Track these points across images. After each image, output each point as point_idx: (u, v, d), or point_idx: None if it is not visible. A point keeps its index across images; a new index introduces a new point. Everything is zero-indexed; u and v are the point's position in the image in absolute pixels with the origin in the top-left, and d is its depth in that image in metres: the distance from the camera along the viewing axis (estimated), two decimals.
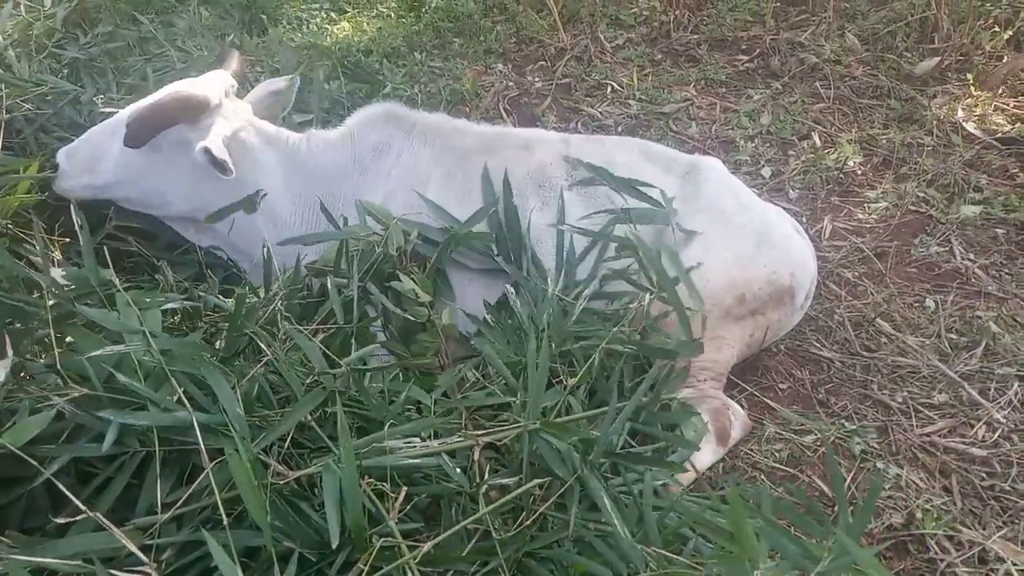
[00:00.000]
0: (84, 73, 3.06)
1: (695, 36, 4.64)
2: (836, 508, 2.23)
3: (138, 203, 2.55)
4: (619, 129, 3.95)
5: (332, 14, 4.82)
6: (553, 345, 2.11)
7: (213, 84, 2.50)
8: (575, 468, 1.75)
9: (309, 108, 3.24)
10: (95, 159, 2.46)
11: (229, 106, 2.53)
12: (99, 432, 1.61)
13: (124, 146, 2.42)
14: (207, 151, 2.33)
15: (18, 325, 1.76)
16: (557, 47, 4.60)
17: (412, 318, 2.28)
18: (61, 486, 1.40)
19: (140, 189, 2.49)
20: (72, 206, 2.06)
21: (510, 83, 4.32)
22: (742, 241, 2.40)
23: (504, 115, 4.06)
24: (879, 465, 2.34)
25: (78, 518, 1.38)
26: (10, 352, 1.54)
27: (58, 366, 1.66)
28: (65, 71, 3.09)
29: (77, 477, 1.65)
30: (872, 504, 1.46)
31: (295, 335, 1.82)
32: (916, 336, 2.75)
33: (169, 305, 1.87)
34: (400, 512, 1.61)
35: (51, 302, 1.72)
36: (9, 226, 2.19)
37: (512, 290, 2.29)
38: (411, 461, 1.70)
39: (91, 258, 1.92)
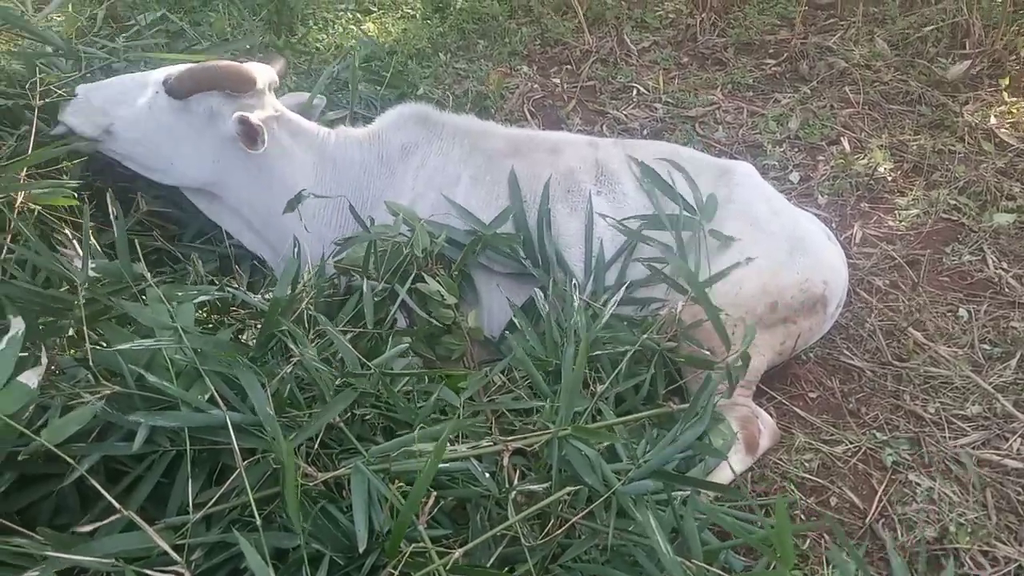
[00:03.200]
0: (116, 68, 3.07)
1: (722, 39, 4.60)
2: (866, 520, 2.20)
3: (137, 160, 2.47)
4: (645, 132, 3.92)
5: (358, 15, 4.83)
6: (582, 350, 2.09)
7: (261, 70, 2.51)
8: (605, 477, 1.73)
9: (340, 106, 3.24)
10: (115, 103, 2.40)
11: (268, 97, 2.53)
12: (129, 430, 1.61)
13: (158, 98, 2.38)
14: (243, 120, 2.32)
15: (50, 319, 1.77)
16: (582, 49, 4.58)
17: (438, 320, 2.27)
18: (96, 483, 1.40)
19: (148, 146, 2.42)
20: (108, 196, 2.06)
21: (535, 85, 4.30)
22: (775, 248, 2.36)
23: (529, 117, 4.04)
24: (911, 477, 2.30)
25: (111, 519, 1.37)
26: (44, 361, 1.54)
27: (90, 362, 1.66)
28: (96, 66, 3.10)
29: (107, 475, 1.65)
30: None
31: (332, 336, 1.81)
32: (949, 346, 2.71)
33: (202, 298, 1.87)
34: (429, 516, 1.60)
35: (83, 297, 1.72)
36: (44, 214, 2.19)
37: (540, 294, 2.27)
38: (440, 465, 1.69)
39: (125, 252, 1.92)
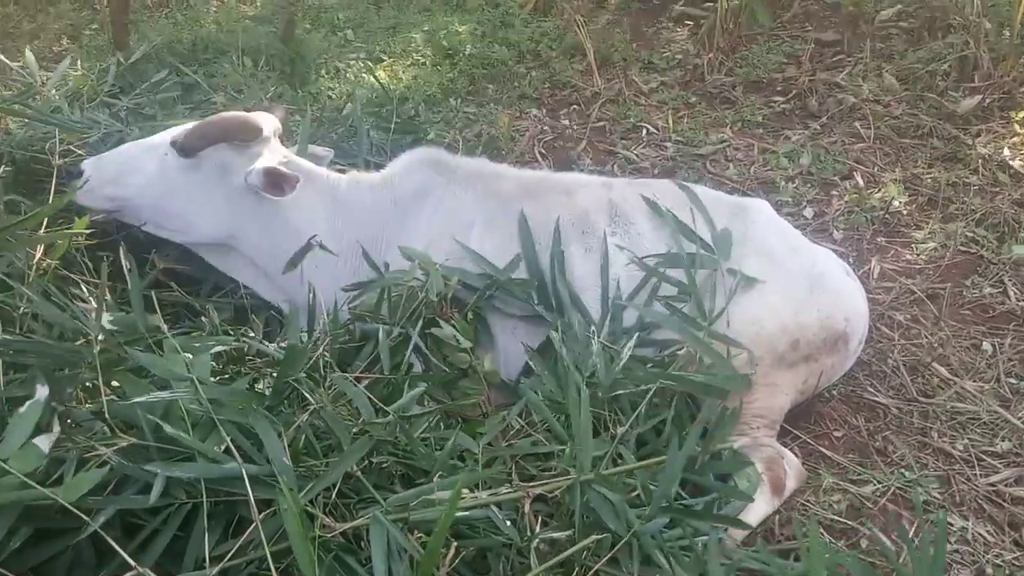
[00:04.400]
0: (132, 120, 3.12)
1: (730, 78, 4.64)
2: (902, 559, 2.13)
3: (156, 223, 2.48)
4: (655, 171, 3.93)
5: (369, 63, 4.91)
6: (601, 393, 2.06)
7: (266, 118, 2.55)
8: (629, 522, 1.68)
9: (353, 154, 3.27)
10: (125, 172, 2.43)
11: (274, 144, 2.56)
12: (145, 482, 1.59)
13: (167, 160, 2.42)
14: (267, 172, 2.35)
15: (65, 371, 1.76)
16: (591, 91, 4.63)
17: (454, 365, 2.25)
18: (111, 540, 1.37)
19: (165, 208, 2.45)
20: (121, 250, 2.07)
21: (545, 127, 4.34)
22: (794, 285, 2.33)
23: (540, 159, 4.07)
24: (942, 516, 2.23)
25: (128, 575, 1.34)
26: (56, 428, 1.55)
27: (105, 414, 1.65)
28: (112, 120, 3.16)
29: (123, 529, 1.62)
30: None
31: (343, 385, 1.80)
32: (974, 381, 2.65)
33: (219, 348, 1.87)
34: (449, 567, 1.56)
35: (99, 348, 1.71)
36: (58, 267, 2.21)
37: (556, 335, 2.25)
38: (460, 513, 1.66)
39: (139, 303, 1.93)
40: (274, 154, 2.51)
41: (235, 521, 1.64)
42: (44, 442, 1.47)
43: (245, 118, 2.45)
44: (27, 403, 1.52)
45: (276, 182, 2.37)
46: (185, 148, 2.39)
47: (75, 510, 1.44)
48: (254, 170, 2.37)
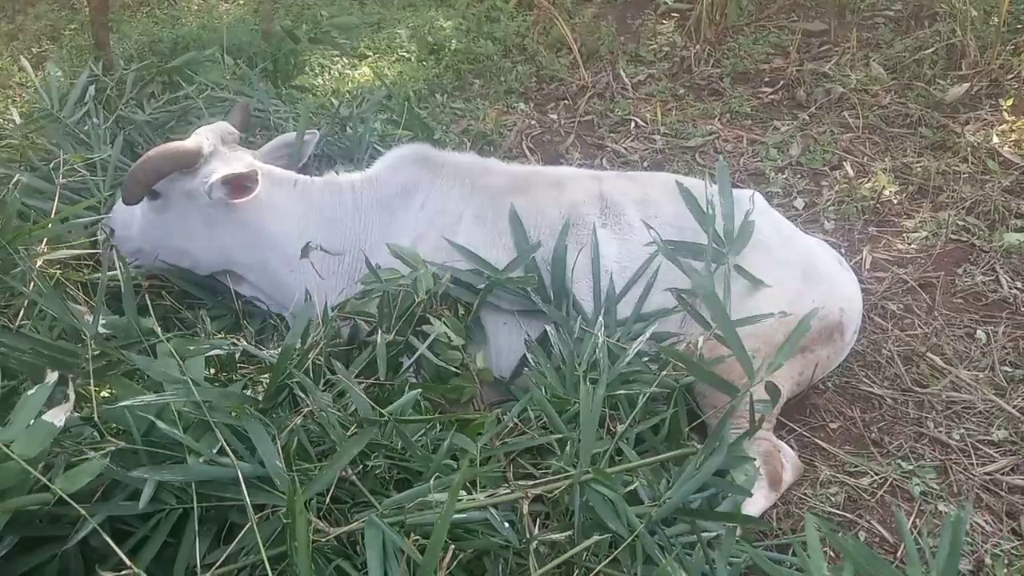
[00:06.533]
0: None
1: (717, 70, 4.63)
2: (899, 554, 2.12)
3: (172, 262, 2.56)
4: (645, 164, 3.91)
5: (354, 60, 4.86)
6: (602, 389, 2.03)
7: (203, 134, 2.49)
8: (629, 522, 1.66)
9: (353, 155, 3.22)
10: (127, 226, 2.52)
11: (228, 153, 2.52)
12: (135, 489, 1.55)
13: (144, 206, 2.45)
14: (224, 181, 2.33)
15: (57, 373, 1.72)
16: (578, 85, 4.60)
17: (446, 364, 2.22)
18: (109, 539, 1.35)
19: (166, 248, 2.52)
20: (114, 253, 2.04)
21: (532, 122, 4.31)
22: (789, 276, 2.32)
23: (528, 153, 4.03)
24: (940, 507, 2.23)
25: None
26: (72, 396, 1.53)
27: (96, 419, 1.61)
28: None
29: (112, 536, 1.58)
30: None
31: (344, 383, 1.77)
32: (969, 369, 2.65)
33: (215, 351, 1.84)
34: (446, 570, 1.53)
35: (94, 352, 1.68)
36: (58, 274, 2.19)
37: (554, 330, 2.22)
38: (456, 515, 1.63)
39: (131, 304, 1.90)
40: (229, 163, 2.46)
41: (226, 527, 1.61)
42: (58, 414, 1.44)
43: (178, 146, 2.40)
44: (35, 387, 1.49)
45: (240, 185, 2.35)
46: (129, 199, 2.38)
47: (73, 503, 1.39)
48: (212, 185, 2.35)
